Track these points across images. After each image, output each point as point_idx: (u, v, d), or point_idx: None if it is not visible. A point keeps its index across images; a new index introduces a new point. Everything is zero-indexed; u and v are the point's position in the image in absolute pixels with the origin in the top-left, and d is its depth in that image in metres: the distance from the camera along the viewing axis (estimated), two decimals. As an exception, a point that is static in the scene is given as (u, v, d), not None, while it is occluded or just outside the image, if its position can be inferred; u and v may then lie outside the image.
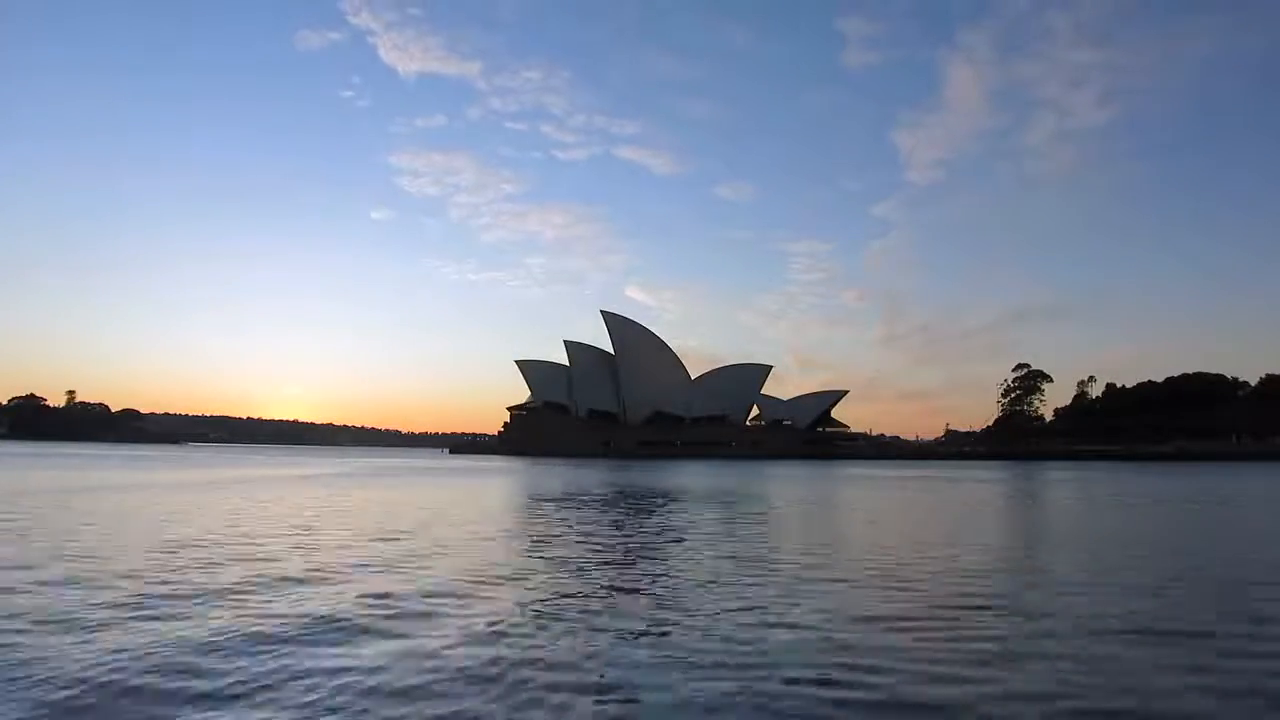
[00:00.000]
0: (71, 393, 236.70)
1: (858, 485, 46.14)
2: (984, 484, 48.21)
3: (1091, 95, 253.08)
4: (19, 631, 7.88)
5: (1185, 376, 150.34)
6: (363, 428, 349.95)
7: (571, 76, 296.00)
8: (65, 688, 6.19)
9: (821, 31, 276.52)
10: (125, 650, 7.17)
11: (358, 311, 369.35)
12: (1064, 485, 46.53)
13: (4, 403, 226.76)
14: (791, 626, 8.63)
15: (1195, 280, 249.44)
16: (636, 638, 8.10)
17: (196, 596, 9.79)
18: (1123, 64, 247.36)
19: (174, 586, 10.43)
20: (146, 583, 10.63)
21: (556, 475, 53.69)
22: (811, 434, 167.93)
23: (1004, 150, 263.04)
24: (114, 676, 6.43)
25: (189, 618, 8.61)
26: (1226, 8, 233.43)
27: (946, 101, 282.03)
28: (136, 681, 6.35)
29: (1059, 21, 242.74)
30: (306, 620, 8.57)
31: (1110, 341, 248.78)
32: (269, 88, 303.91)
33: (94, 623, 8.28)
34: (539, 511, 25.19)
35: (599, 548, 15.34)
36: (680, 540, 16.90)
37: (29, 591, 9.99)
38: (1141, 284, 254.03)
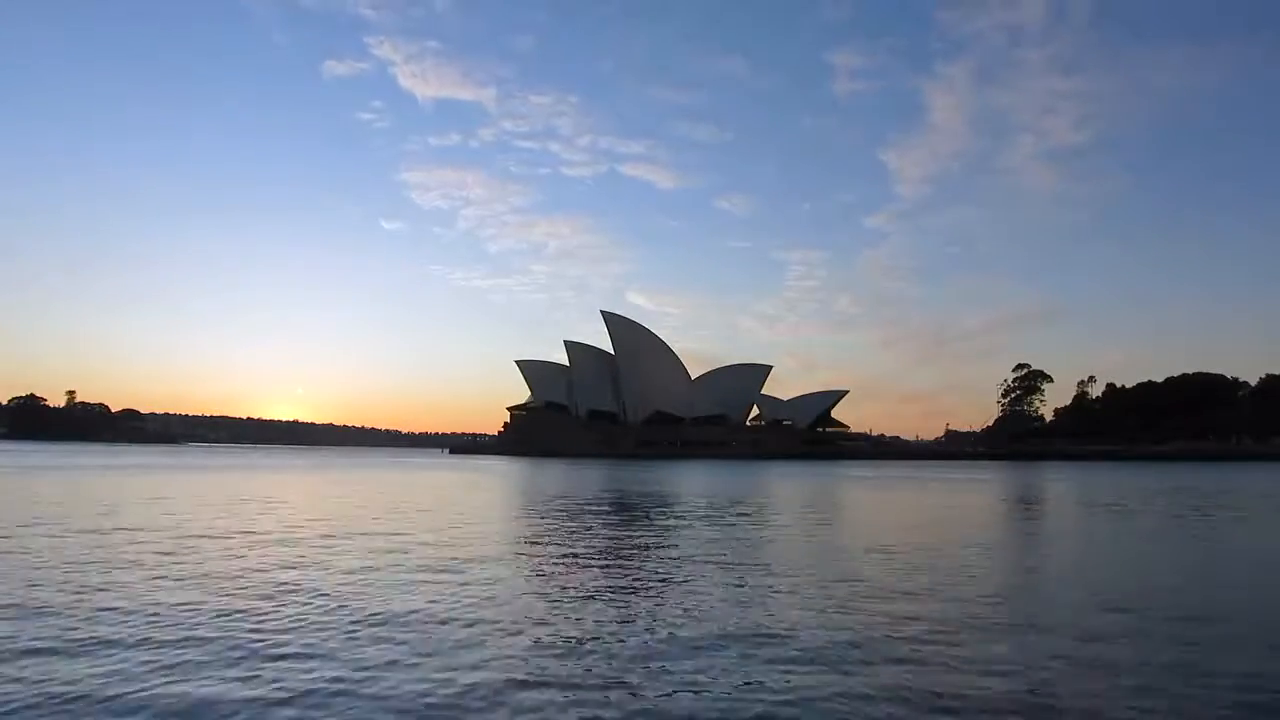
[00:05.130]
0: (71, 393, 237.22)
1: (856, 491, 46.07)
2: (982, 487, 48.20)
3: (1066, 120, 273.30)
4: None
5: (1185, 376, 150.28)
6: (363, 428, 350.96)
7: (579, 102, 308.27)
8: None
9: (812, 64, 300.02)
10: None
11: (361, 314, 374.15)
12: (1060, 488, 46.47)
13: (4, 403, 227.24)
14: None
15: (1194, 282, 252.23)
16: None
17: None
18: (1093, 92, 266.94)
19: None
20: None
21: (551, 476, 53.65)
22: (811, 434, 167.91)
23: (988, 168, 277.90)
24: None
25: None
26: (1186, 43, 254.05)
27: (930, 125, 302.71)
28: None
29: (1032, 56, 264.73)
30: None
31: (1108, 343, 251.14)
32: (295, 109, 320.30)
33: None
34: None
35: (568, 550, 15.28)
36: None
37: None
38: (1139, 286, 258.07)
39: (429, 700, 6.54)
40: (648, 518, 23.87)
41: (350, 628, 8.95)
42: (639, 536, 18.88)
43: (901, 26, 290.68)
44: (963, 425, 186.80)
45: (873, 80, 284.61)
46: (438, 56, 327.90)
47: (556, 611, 10.03)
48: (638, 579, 12.53)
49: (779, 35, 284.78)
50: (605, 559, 14.83)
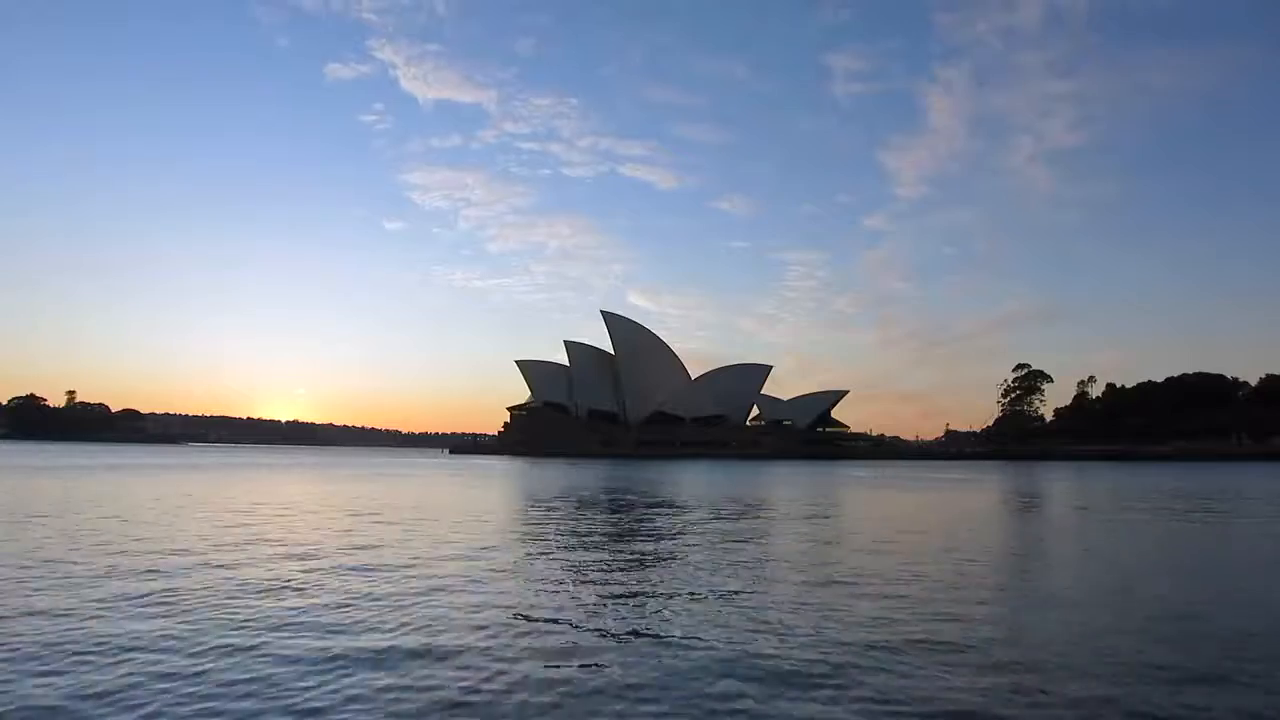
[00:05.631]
0: (71, 393, 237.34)
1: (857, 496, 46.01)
2: (981, 488, 48.14)
3: (1063, 122, 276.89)
4: None
5: (1185, 376, 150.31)
6: (363, 428, 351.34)
7: (580, 104, 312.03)
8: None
9: (811, 66, 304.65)
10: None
11: (362, 314, 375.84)
12: (1060, 489, 46.41)
13: (4, 403, 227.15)
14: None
15: (1193, 282, 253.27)
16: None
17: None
18: (1091, 94, 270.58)
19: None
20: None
21: (554, 476, 53.58)
22: (811, 434, 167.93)
23: (986, 169, 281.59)
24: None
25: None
26: (1182, 45, 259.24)
27: (929, 127, 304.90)
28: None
29: (1029, 58, 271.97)
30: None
31: (1109, 343, 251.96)
32: (297, 110, 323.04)
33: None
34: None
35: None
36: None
37: None
38: (1139, 286, 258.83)
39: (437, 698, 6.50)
40: (648, 517, 23.84)
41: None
42: (642, 534, 18.84)
43: (900, 30, 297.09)
44: (962, 425, 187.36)
45: (871, 82, 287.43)
46: (439, 59, 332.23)
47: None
48: (639, 577, 12.51)
49: (778, 38, 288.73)
50: (618, 563, 14.78)
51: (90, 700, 6.53)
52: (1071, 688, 7.13)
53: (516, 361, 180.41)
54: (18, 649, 7.97)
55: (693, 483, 48.06)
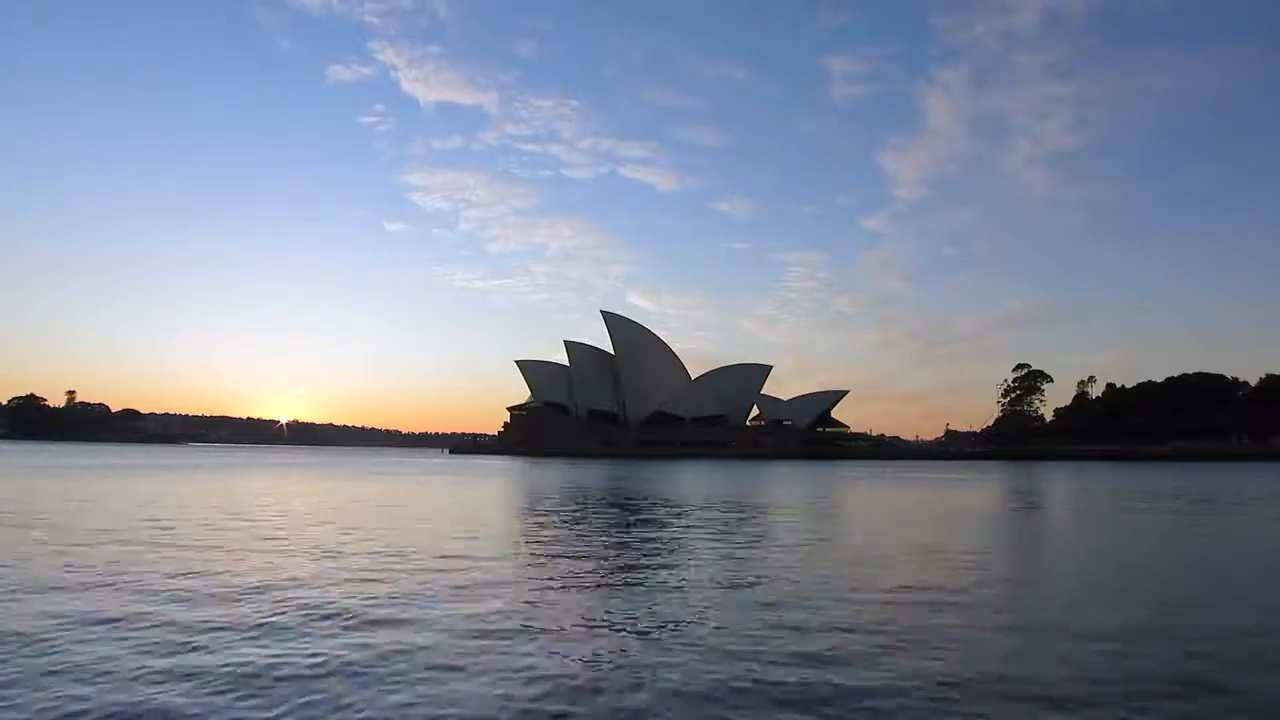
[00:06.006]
0: (71, 393, 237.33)
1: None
2: (981, 488, 48.18)
3: (1062, 124, 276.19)
4: None
5: (1185, 376, 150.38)
6: (363, 428, 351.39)
7: (581, 106, 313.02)
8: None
9: (809, 69, 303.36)
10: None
11: (362, 314, 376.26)
12: (1059, 489, 46.43)
13: (4, 403, 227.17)
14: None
15: (1193, 282, 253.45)
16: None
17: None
18: (1089, 96, 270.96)
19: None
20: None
21: (555, 477, 53.60)
22: (811, 434, 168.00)
23: (985, 170, 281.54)
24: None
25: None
26: (1180, 46, 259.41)
27: (927, 128, 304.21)
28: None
29: (1027, 61, 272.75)
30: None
31: (1108, 343, 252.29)
32: (298, 112, 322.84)
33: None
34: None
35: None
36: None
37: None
38: (1139, 286, 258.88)
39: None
40: (651, 519, 23.91)
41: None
42: (643, 536, 18.90)
43: (898, 32, 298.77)
44: (962, 425, 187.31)
45: (870, 85, 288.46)
46: (440, 61, 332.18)
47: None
48: (640, 578, 12.59)
49: (778, 41, 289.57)
50: (613, 563, 14.84)
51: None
52: (1070, 684, 7.20)
53: (516, 361, 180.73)
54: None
55: (692, 483, 48.12)
